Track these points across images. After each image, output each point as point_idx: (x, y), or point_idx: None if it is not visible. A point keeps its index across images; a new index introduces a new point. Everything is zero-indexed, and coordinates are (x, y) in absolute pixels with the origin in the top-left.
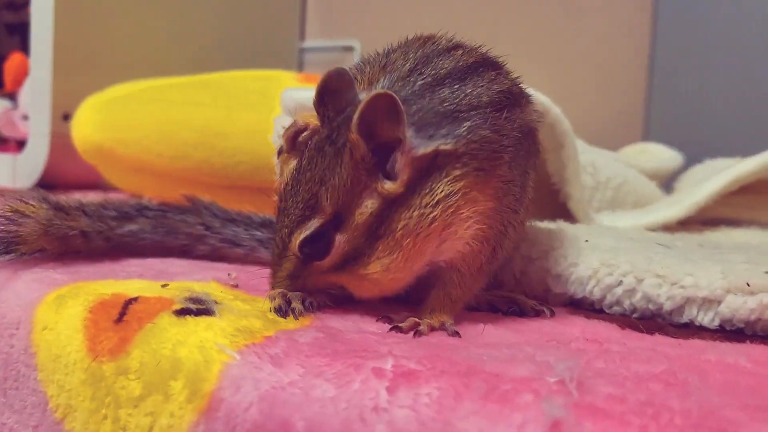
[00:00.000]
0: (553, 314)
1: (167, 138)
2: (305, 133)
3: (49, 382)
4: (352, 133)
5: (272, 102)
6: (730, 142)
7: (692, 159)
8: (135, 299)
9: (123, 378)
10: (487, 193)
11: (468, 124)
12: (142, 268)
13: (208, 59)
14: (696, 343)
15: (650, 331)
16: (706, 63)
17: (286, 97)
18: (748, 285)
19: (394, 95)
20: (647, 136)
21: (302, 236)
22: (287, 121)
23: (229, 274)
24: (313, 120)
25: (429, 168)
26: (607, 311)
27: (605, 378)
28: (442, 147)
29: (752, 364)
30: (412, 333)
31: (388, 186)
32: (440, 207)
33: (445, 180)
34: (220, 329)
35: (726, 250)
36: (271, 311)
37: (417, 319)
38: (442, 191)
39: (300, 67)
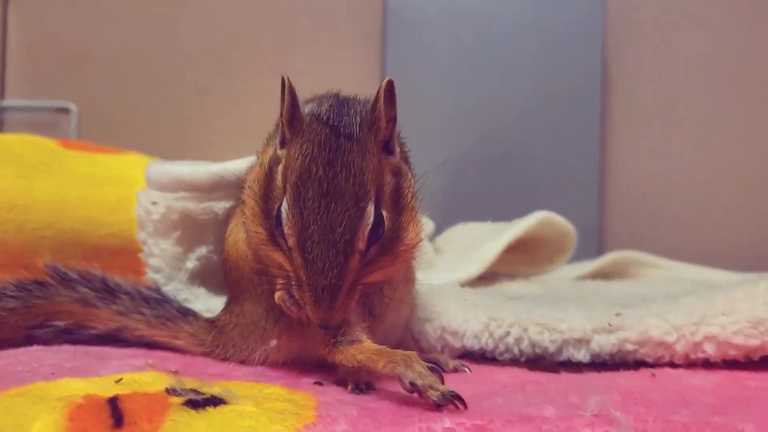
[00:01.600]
0: (470, 370)
1: None
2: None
3: None
4: (380, 118)
5: (58, 168)
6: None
7: None
8: (115, 398)
9: None
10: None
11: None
12: (33, 365)
13: None
14: (598, 375)
15: (553, 371)
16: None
17: (159, 171)
18: (610, 325)
19: (393, 80)
20: None
21: (370, 223)
22: (155, 196)
23: (147, 362)
24: (188, 200)
25: None
26: (498, 358)
27: None
28: None
29: (651, 383)
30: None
31: (392, 160)
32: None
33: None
34: (259, 415)
35: (554, 299)
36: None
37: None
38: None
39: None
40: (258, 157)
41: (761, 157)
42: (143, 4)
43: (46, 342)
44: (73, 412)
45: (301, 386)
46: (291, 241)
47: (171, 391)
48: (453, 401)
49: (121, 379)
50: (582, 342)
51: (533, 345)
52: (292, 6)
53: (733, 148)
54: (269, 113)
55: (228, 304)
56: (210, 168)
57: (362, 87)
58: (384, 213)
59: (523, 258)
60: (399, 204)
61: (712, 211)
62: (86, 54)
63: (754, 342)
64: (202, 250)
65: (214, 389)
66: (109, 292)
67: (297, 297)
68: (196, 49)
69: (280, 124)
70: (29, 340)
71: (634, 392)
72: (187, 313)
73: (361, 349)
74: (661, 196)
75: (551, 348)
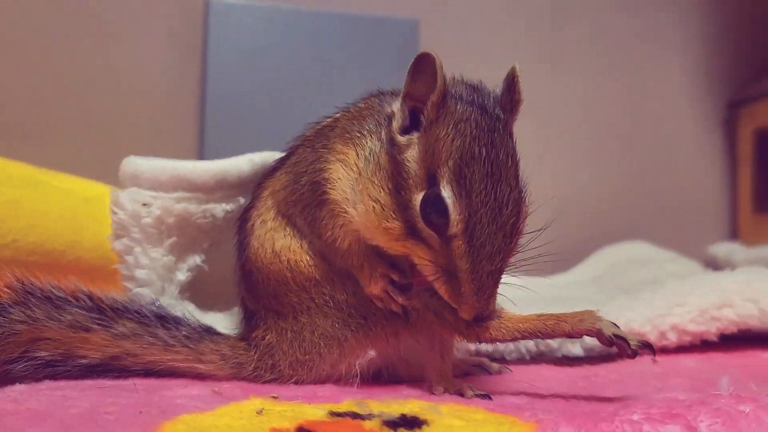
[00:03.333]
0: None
1: None
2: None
3: None
4: (519, 102)
5: None
6: None
7: None
8: (303, 428)
9: None
10: None
11: None
12: (85, 407)
13: None
14: (609, 366)
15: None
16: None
17: (152, 167)
18: None
19: None
20: None
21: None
22: (146, 196)
23: (213, 390)
24: (189, 201)
25: None
26: (507, 358)
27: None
28: None
29: (664, 368)
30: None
31: None
32: None
33: None
34: (476, 429)
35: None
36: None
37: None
38: None
39: None
40: (325, 152)
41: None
42: None
43: (22, 379)
44: None
45: (424, 398)
46: (457, 228)
47: (353, 416)
48: (648, 348)
49: (262, 410)
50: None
51: (538, 343)
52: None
53: None
54: (82, 110)
55: (261, 320)
56: (211, 165)
57: (179, 86)
58: None
59: None
60: None
61: None
62: None
63: (702, 328)
64: (196, 260)
65: (406, 408)
66: (102, 311)
67: (444, 290)
68: None
69: (403, 104)
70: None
71: (677, 374)
72: (212, 332)
73: (518, 319)
74: None
75: (554, 345)
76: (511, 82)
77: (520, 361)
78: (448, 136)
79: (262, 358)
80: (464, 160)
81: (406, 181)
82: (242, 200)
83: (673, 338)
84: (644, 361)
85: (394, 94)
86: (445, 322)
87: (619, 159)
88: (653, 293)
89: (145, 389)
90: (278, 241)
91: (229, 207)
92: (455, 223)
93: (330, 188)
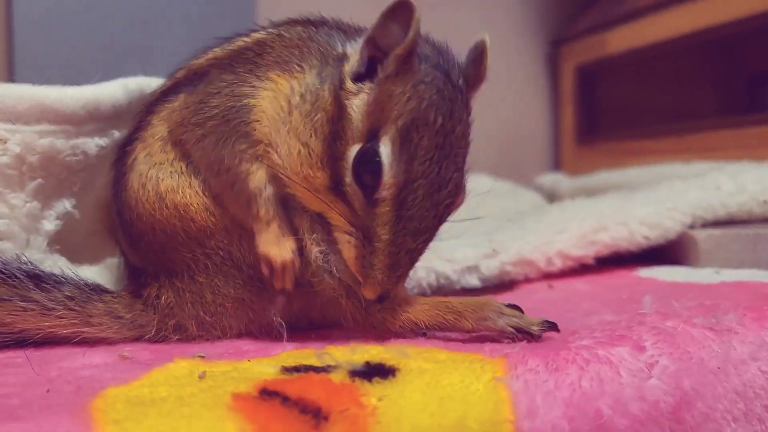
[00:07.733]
0: None
1: None
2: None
3: None
4: (483, 78)
5: None
6: None
7: None
8: (275, 394)
9: None
10: None
11: None
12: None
13: None
14: (518, 293)
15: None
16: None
17: (6, 94)
18: (494, 251)
19: None
20: None
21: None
22: (2, 130)
23: (121, 354)
24: (56, 135)
25: None
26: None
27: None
28: None
29: (564, 293)
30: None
31: None
32: None
33: None
34: (451, 370)
35: None
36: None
37: None
38: None
39: None
40: (252, 78)
41: None
42: None
43: None
44: (248, 414)
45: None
46: (387, 192)
47: (315, 369)
48: (552, 328)
49: (204, 373)
50: (473, 269)
51: (438, 276)
52: None
53: None
54: None
55: (151, 277)
56: (81, 92)
57: None
58: None
59: None
60: None
61: None
62: None
63: (582, 252)
64: (65, 205)
65: (368, 355)
66: None
67: (351, 256)
68: None
69: (363, 49)
70: None
71: (582, 297)
72: (100, 291)
73: (418, 310)
74: None
75: (453, 277)
76: (480, 55)
77: (422, 295)
78: (405, 94)
79: (163, 319)
80: (416, 123)
81: (345, 131)
82: (117, 134)
83: (558, 264)
84: (542, 287)
85: (341, 29)
86: (341, 304)
87: None
88: (537, 222)
89: (33, 362)
90: (164, 181)
91: (102, 142)
92: (387, 186)
93: (254, 119)
